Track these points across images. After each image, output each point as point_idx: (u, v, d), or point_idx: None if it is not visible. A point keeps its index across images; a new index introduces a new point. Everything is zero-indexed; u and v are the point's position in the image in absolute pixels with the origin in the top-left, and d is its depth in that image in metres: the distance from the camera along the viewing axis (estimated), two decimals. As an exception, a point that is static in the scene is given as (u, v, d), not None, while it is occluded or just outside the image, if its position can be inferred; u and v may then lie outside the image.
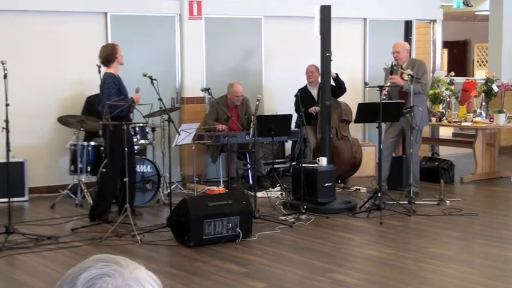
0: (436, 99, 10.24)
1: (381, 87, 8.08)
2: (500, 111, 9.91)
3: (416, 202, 8.10)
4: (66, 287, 1.23)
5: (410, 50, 9.44)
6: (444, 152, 11.90)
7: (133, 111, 7.64)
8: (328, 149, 8.51)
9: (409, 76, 8.21)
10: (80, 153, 8.52)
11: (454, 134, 13.45)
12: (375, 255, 6.41)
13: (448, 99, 10.37)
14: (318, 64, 8.80)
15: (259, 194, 8.16)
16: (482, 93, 10.25)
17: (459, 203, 8.42)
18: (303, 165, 8.02)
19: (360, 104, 8.40)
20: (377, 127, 8.03)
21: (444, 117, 10.29)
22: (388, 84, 8.34)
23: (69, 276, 1.24)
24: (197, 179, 8.89)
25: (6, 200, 6.94)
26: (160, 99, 7.32)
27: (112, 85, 7.34)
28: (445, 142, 12.04)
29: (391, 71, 8.52)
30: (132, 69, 8.40)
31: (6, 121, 6.73)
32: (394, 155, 9.23)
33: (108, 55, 7.48)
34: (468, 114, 10.29)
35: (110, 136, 7.37)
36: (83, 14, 9.25)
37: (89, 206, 7.86)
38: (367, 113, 8.14)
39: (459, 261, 6.09)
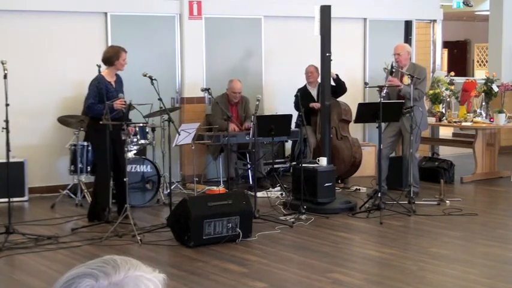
0: (436, 99, 10.24)
1: (380, 87, 8.08)
2: (500, 111, 9.91)
3: (416, 202, 8.10)
4: (57, 282, 1.23)
5: (411, 52, 9.41)
6: (444, 152, 11.89)
7: (122, 114, 7.47)
8: (328, 149, 8.51)
9: (410, 76, 8.21)
10: (80, 153, 8.52)
11: (454, 134, 13.45)
12: (375, 255, 6.41)
13: (448, 99, 10.37)
14: (318, 64, 8.80)
15: (259, 194, 8.16)
16: (482, 93, 10.25)
17: (459, 203, 8.42)
18: (303, 165, 8.02)
19: (360, 104, 8.40)
20: (377, 127, 8.03)
21: (444, 117, 10.29)
22: (386, 85, 8.33)
23: (67, 273, 1.24)
24: (197, 179, 8.88)
25: (6, 200, 6.94)
26: (160, 99, 7.32)
27: (93, 88, 7.37)
28: (445, 142, 12.04)
29: (391, 71, 8.51)
30: (132, 69, 8.39)
31: (6, 121, 6.73)
32: (394, 154, 9.23)
33: (109, 57, 7.48)
34: (468, 114, 10.29)
35: (92, 136, 7.38)
36: (83, 14, 9.25)
37: (89, 206, 7.86)
38: (367, 113, 8.14)
39: (459, 261, 6.10)
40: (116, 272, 1.20)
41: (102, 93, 7.32)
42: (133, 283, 1.21)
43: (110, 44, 8.77)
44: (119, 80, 7.62)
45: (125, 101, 7.30)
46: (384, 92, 8.10)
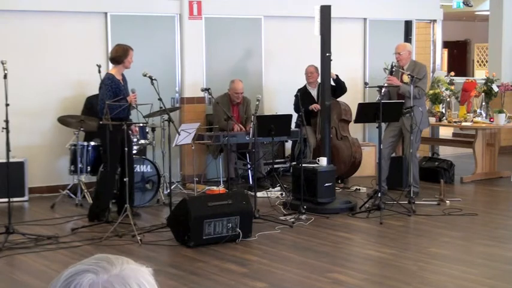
0: (436, 99, 10.24)
1: (380, 87, 8.08)
2: (500, 111, 9.90)
3: (416, 202, 8.10)
4: (55, 281, 1.24)
5: (411, 51, 9.42)
6: (444, 152, 11.90)
7: (130, 112, 7.56)
8: (328, 149, 8.51)
9: (410, 76, 8.21)
10: (80, 153, 8.52)
11: (454, 134, 13.45)
12: (375, 255, 6.41)
13: (448, 99, 10.37)
14: (318, 64, 8.80)
15: (259, 194, 8.16)
16: (482, 93, 10.25)
17: (459, 203, 8.42)
18: (303, 165, 8.02)
19: (360, 104, 8.39)
20: (377, 127, 8.02)
21: (444, 117, 10.29)
22: (386, 84, 8.32)
23: (63, 273, 1.25)
24: (197, 179, 8.89)
25: (6, 200, 6.94)
26: (160, 99, 7.32)
27: (108, 87, 7.36)
28: (445, 142, 12.04)
29: (391, 71, 8.51)
30: (132, 69, 8.36)
31: (6, 121, 6.73)
32: (394, 155, 9.23)
33: (118, 56, 7.49)
34: (468, 114, 10.29)
35: (103, 136, 7.40)
36: (83, 14, 9.25)
37: (89, 206, 7.86)
38: (367, 113, 8.13)
39: (459, 261, 6.09)
40: (112, 266, 1.23)
41: (116, 92, 7.35)
42: (132, 274, 1.23)
43: (110, 44, 8.78)
44: (124, 78, 7.64)
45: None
46: (383, 91, 8.10)
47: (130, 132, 7.54)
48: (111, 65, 7.82)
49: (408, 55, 8.70)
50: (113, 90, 7.37)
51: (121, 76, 7.57)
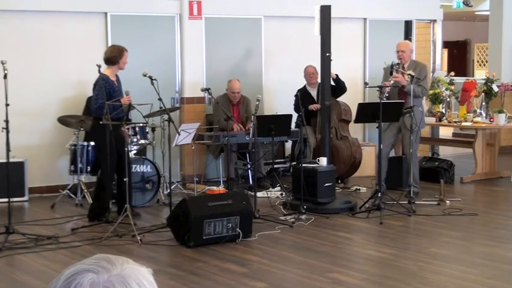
0: (436, 99, 10.24)
1: (381, 87, 8.07)
2: (500, 111, 9.90)
3: (416, 202, 8.10)
4: (55, 281, 1.24)
5: (413, 50, 9.43)
6: (444, 152, 11.90)
7: (126, 112, 7.53)
8: (328, 149, 8.51)
9: (409, 76, 8.20)
10: (80, 153, 8.52)
11: (454, 134, 13.45)
12: (375, 255, 6.41)
13: (448, 99, 10.37)
14: (318, 64, 8.79)
15: (259, 194, 8.16)
16: (482, 93, 10.25)
17: (459, 203, 8.42)
18: (303, 165, 8.02)
19: (360, 104, 8.40)
20: (377, 127, 8.02)
21: (444, 117, 10.29)
22: (392, 82, 8.31)
23: (63, 273, 1.25)
24: (197, 179, 8.89)
25: (6, 200, 6.94)
26: (160, 99, 7.31)
27: (102, 88, 7.35)
28: (445, 142, 12.04)
29: (391, 70, 8.50)
30: (132, 69, 8.38)
31: (6, 121, 6.73)
32: (393, 154, 9.23)
33: (112, 57, 7.47)
34: (468, 114, 10.29)
35: (96, 136, 7.39)
36: (83, 14, 9.25)
37: (89, 206, 7.86)
38: (367, 113, 8.13)
39: (459, 261, 6.10)
40: (113, 266, 1.24)
41: (109, 93, 7.34)
42: (133, 274, 1.24)
43: (110, 44, 8.77)
44: (118, 80, 7.63)
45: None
46: (387, 90, 8.10)
47: (127, 133, 7.52)
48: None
49: (410, 53, 8.74)
50: (107, 91, 7.35)
51: (115, 77, 7.56)
